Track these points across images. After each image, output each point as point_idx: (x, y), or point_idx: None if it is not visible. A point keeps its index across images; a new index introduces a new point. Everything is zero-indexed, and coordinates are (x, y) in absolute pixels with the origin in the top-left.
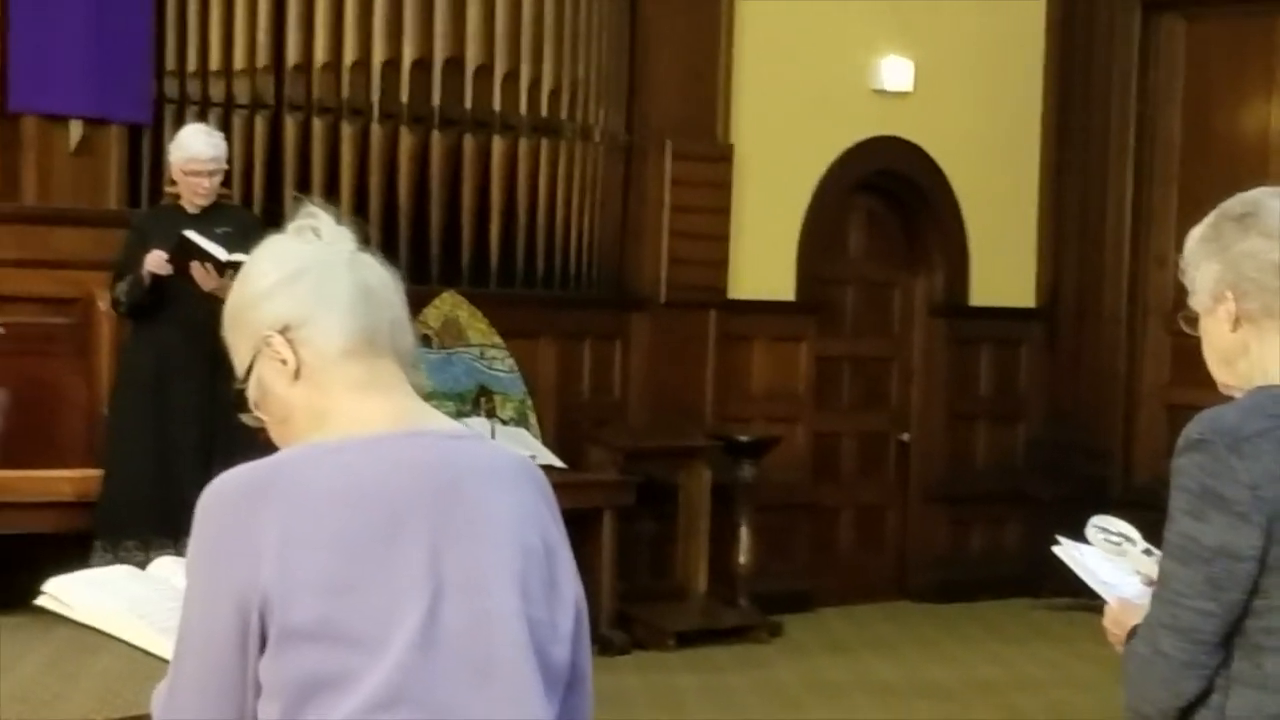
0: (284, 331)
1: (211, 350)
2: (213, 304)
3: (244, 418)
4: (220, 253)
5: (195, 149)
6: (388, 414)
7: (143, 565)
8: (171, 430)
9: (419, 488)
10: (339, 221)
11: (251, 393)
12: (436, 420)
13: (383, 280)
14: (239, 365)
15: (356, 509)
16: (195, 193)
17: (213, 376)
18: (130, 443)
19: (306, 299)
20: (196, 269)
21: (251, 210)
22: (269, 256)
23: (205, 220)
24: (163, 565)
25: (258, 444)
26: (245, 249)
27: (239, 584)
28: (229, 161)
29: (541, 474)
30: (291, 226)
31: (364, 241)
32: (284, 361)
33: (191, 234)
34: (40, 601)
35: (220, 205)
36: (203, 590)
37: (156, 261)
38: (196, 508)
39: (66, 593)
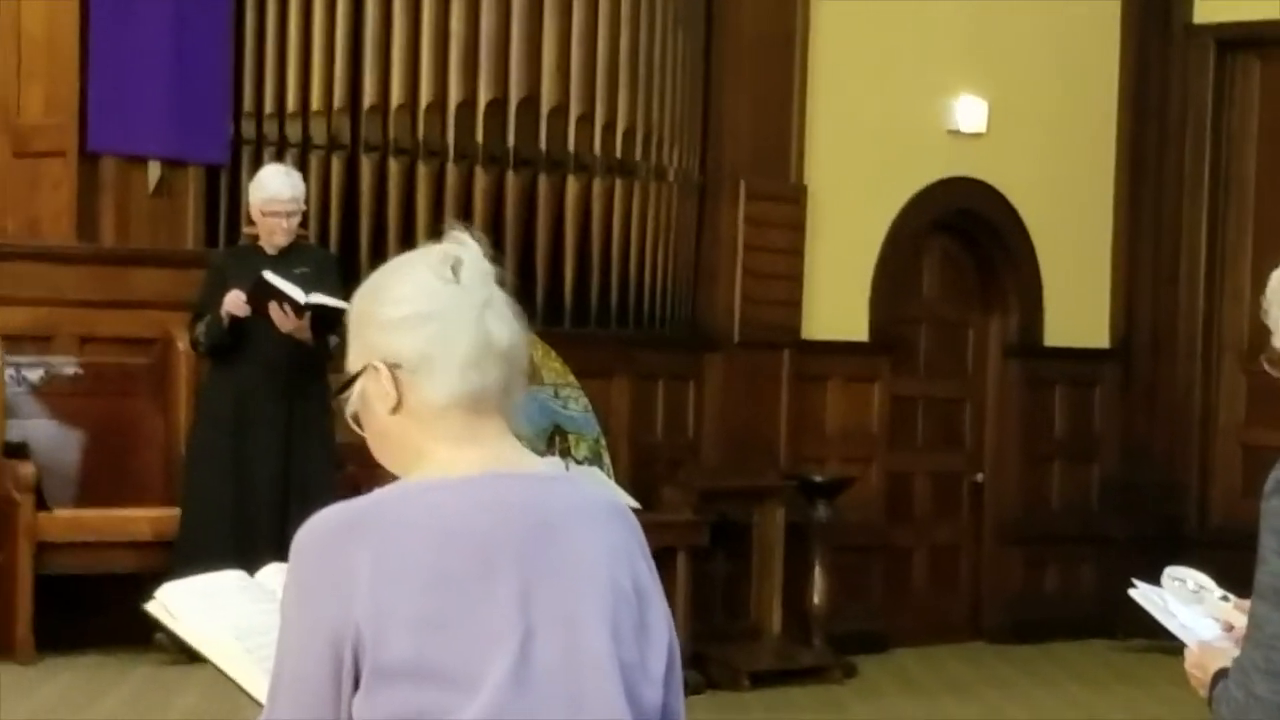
0: (395, 368)
1: (289, 390)
2: (291, 344)
3: (345, 405)
4: (298, 294)
5: (274, 189)
6: (481, 459)
7: None
8: (249, 470)
9: (511, 527)
10: (486, 256)
11: (353, 400)
12: (530, 462)
13: (508, 334)
14: (350, 364)
15: (449, 547)
16: (274, 233)
17: (290, 416)
18: (208, 481)
19: (426, 348)
20: (274, 310)
21: (329, 250)
22: (405, 283)
23: (283, 260)
24: (270, 573)
25: (335, 483)
26: (323, 289)
27: (333, 620)
28: (306, 202)
29: (633, 516)
30: (438, 252)
31: (502, 283)
32: (386, 393)
33: (270, 275)
34: (149, 607)
35: (298, 245)
36: (297, 627)
37: (235, 303)
38: (291, 546)
39: (176, 602)
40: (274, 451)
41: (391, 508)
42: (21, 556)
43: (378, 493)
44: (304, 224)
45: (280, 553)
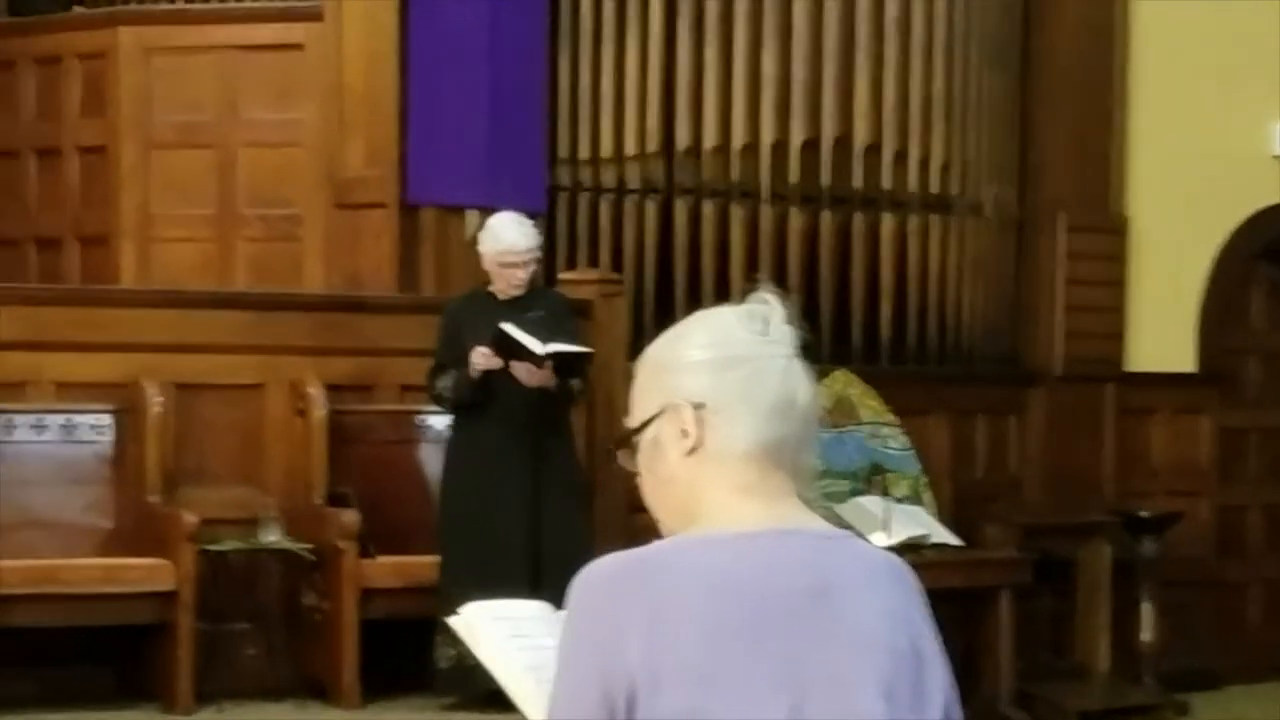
0: (698, 408)
1: (535, 438)
2: (532, 394)
3: (620, 457)
4: (536, 345)
5: (511, 240)
6: (763, 515)
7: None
8: (499, 524)
9: (788, 586)
10: (788, 318)
11: (645, 446)
12: (811, 521)
13: (807, 395)
14: (639, 412)
15: (725, 602)
16: (511, 284)
17: (537, 465)
18: (461, 533)
19: (731, 391)
20: (518, 367)
21: (561, 294)
22: (711, 330)
23: (516, 306)
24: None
25: (587, 538)
26: (559, 333)
27: (606, 669)
28: (546, 247)
29: (912, 574)
30: (743, 308)
31: (804, 348)
32: (685, 434)
33: (508, 327)
34: (451, 621)
35: (531, 289)
36: (571, 672)
37: (484, 358)
38: (569, 591)
39: (479, 624)
40: (521, 507)
41: (670, 559)
42: (347, 603)
43: (655, 544)
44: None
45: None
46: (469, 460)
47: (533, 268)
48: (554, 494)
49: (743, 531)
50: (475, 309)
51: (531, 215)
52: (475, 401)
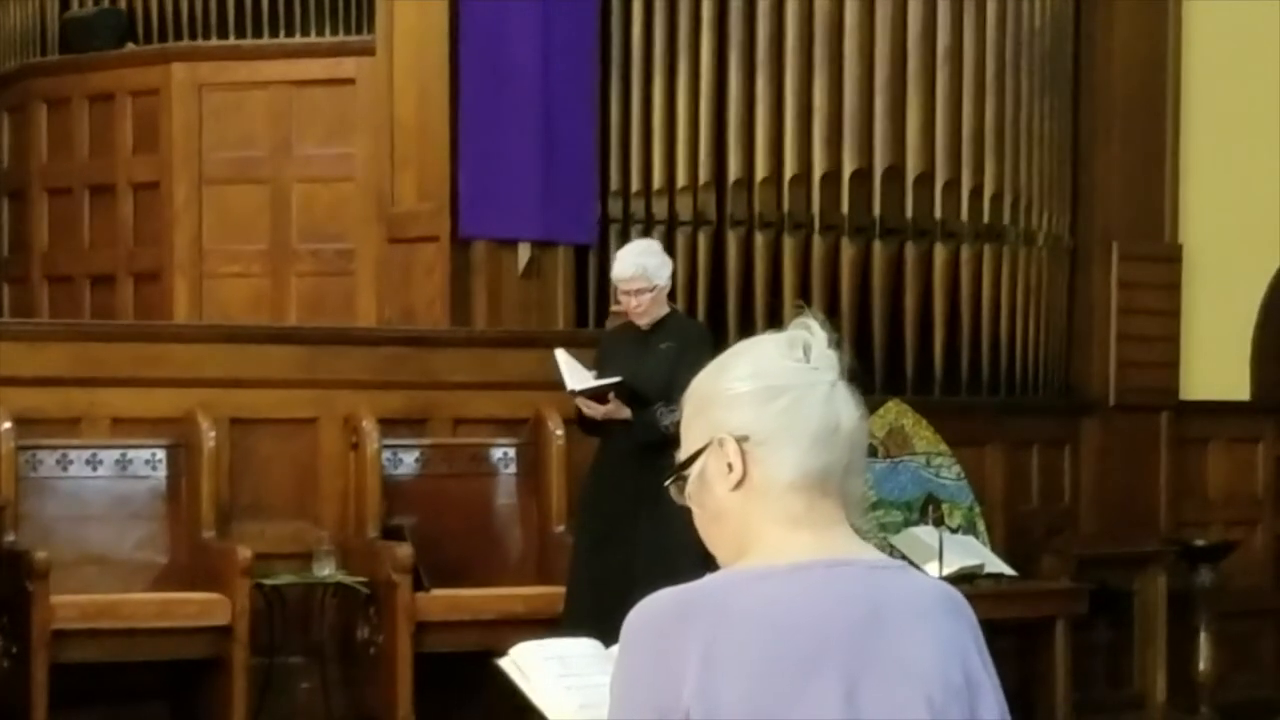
0: (741, 441)
1: (636, 479)
2: (635, 431)
3: (672, 491)
4: (571, 381)
5: (616, 269)
6: (813, 545)
7: None
8: (605, 552)
9: (841, 617)
10: (831, 344)
11: (692, 480)
12: (862, 551)
13: (853, 420)
14: (687, 446)
15: (780, 635)
16: (628, 311)
17: (637, 503)
18: (578, 562)
19: (774, 422)
20: (581, 401)
21: (699, 326)
22: (753, 362)
23: (652, 335)
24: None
25: (682, 570)
26: (682, 363)
27: (661, 704)
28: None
29: (966, 604)
30: (784, 336)
31: (847, 373)
32: (730, 468)
33: (558, 352)
34: (501, 662)
35: (670, 319)
36: (624, 710)
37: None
38: (622, 628)
39: (529, 662)
40: (622, 537)
41: (722, 595)
42: (401, 637)
43: (708, 579)
44: (672, 296)
45: None
46: (587, 493)
47: (646, 296)
48: (656, 514)
49: (794, 563)
50: (619, 338)
51: (583, 248)
52: (591, 427)
